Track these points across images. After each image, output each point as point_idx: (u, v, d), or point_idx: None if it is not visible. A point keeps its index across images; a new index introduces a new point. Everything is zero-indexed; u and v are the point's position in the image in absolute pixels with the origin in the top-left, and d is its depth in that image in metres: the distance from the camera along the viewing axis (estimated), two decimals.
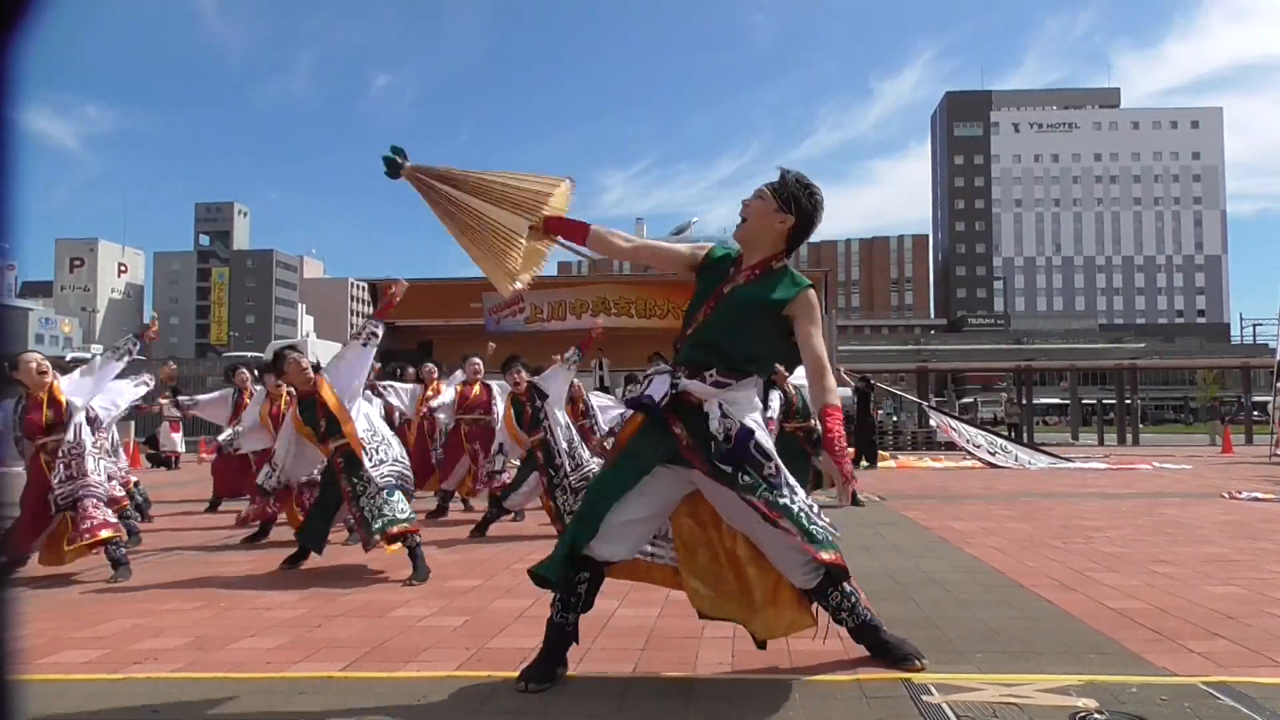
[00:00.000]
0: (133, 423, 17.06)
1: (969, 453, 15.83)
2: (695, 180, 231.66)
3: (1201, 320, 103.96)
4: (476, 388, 8.16)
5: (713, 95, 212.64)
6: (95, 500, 4.99)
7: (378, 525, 4.79)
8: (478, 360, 8.24)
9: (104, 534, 4.92)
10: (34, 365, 5.01)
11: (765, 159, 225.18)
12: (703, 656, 3.12)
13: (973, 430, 16.85)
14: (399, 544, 4.83)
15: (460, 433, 8.21)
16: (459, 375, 8.43)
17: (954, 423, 17.70)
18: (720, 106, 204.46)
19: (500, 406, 7.46)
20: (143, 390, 5.93)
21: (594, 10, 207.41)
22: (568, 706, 2.58)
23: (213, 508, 8.92)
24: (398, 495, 4.98)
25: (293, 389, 5.49)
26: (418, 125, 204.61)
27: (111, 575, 4.95)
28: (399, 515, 4.85)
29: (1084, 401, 43.00)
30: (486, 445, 7.68)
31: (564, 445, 6.52)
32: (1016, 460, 15.16)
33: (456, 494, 8.52)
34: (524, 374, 6.84)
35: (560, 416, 6.73)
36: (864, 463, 15.29)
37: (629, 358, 12.83)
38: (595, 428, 8.26)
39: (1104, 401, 38.77)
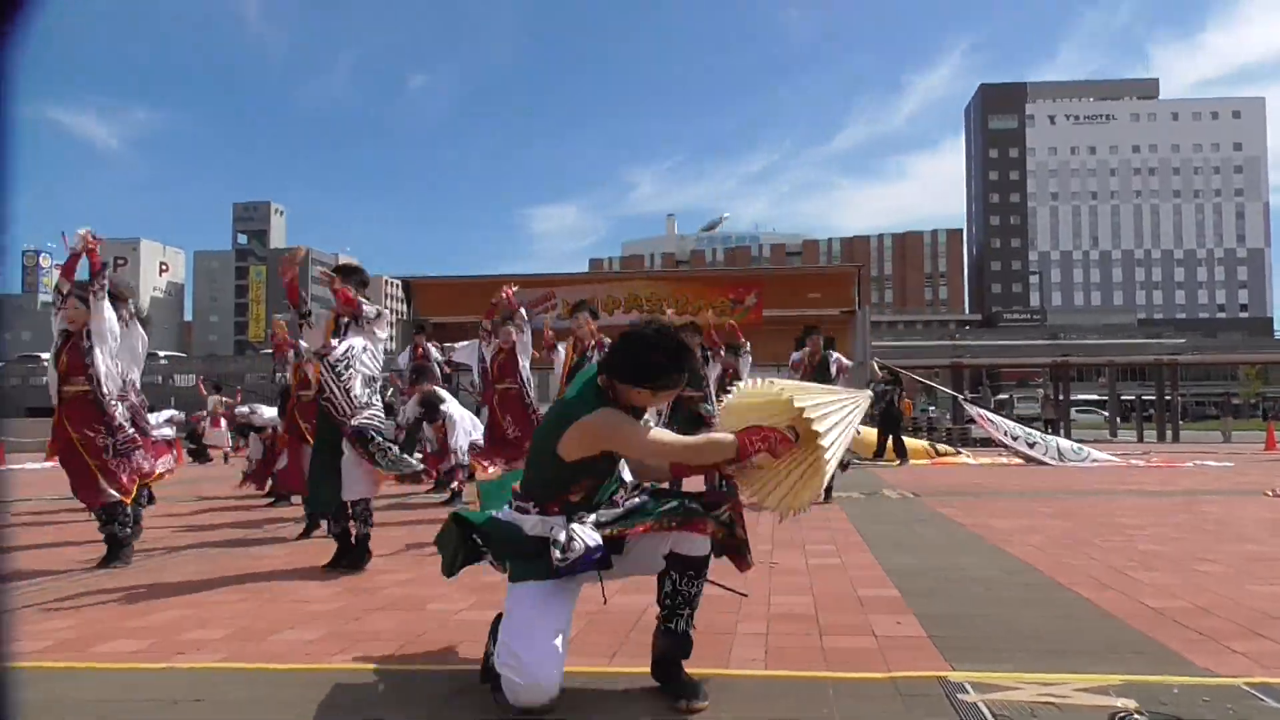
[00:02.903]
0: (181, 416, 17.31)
1: (1006, 445, 15.63)
2: (726, 176, 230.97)
3: (1244, 314, 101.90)
4: None
5: (745, 91, 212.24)
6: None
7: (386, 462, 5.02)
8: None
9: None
10: None
11: (797, 154, 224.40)
12: (736, 654, 3.13)
13: (1010, 423, 16.64)
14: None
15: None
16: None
17: (991, 415, 17.47)
18: (752, 102, 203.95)
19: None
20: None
21: (626, 7, 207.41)
22: (601, 705, 2.60)
23: (278, 500, 9.08)
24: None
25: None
26: (452, 124, 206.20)
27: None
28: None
29: (1123, 398, 42.26)
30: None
31: None
32: (1057, 454, 14.81)
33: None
34: (594, 322, 6.76)
35: None
36: (894, 459, 15.15)
37: None
38: None
39: (1143, 398, 38.05)
